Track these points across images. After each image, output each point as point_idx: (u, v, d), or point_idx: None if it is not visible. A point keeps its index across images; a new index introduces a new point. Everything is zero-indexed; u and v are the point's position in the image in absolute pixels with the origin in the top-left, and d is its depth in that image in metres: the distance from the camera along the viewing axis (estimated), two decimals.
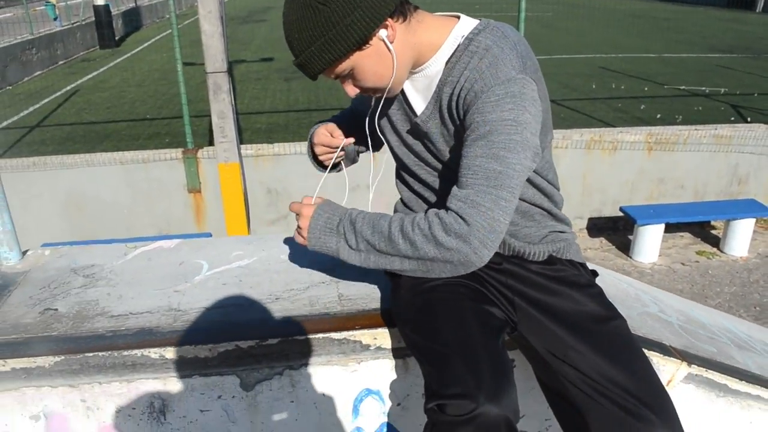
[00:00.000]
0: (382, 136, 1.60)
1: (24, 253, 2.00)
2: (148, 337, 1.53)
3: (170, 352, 1.49)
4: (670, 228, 6.21)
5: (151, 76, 12.55)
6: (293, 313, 1.63)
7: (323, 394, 1.61)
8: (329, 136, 1.63)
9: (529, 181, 1.46)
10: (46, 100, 10.57)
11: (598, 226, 6.63)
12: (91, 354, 1.48)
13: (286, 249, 2.01)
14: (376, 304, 1.67)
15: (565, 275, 1.51)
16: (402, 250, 1.32)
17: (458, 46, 1.35)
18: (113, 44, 17.20)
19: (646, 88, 10.67)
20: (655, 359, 1.69)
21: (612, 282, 2.12)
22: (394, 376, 1.62)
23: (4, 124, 8.82)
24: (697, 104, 9.40)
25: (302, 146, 5.95)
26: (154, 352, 1.49)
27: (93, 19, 17.03)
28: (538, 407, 1.70)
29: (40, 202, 5.71)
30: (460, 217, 1.26)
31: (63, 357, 1.47)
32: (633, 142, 6.34)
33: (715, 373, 1.77)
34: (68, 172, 5.73)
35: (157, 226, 5.95)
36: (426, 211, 1.33)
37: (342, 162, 1.75)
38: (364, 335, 1.56)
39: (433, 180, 1.53)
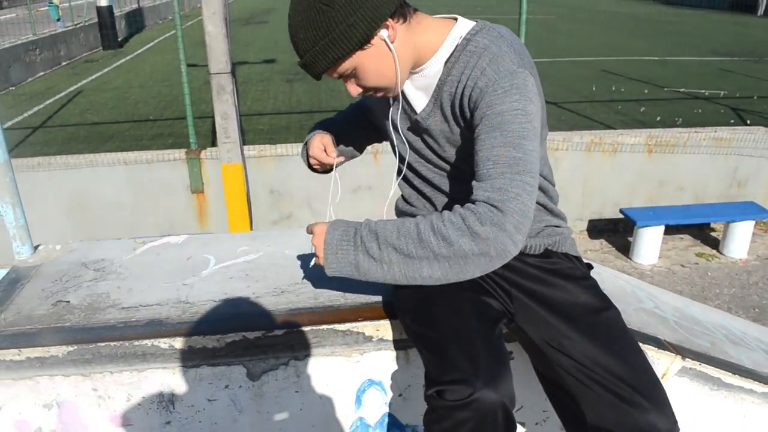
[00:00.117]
0: (384, 134, 1.65)
1: (36, 248, 2.06)
2: (157, 328, 1.58)
3: (179, 342, 1.54)
4: (669, 230, 6.25)
5: (154, 77, 12.61)
6: (298, 305, 1.68)
7: (327, 385, 1.66)
8: (323, 151, 1.68)
9: None
10: (50, 101, 10.63)
11: (598, 228, 6.67)
12: (102, 344, 1.53)
13: (291, 244, 2.06)
14: (378, 297, 1.72)
15: (560, 268, 1.56)
16: (435, 249, 1.27)
17: (456, 46, 1.41)
18: (116, 45, 17.27)
19: (646, 91, 10.71)
20: (650, 353, 1.74)
21: (609, 278, 2.17)
22: (396, 367, 1.67)
23: (8, 124, 8.88)
24: (697, 107, 9.44)
25: None
26: (163, 342, 1.54)
27: (96, 20, 17.10)
28: (536, 399, 1.75)
29: (44, 202, 5.76)
30: (492, 205, 1.25)
31: (75, 347, 1.52)
32: (633, 145, 6.39)
33: (709, 367, 1.82)
34: (72, 173, 5.79)
35: (160, 226, 6.00)
36: (452, 208, 1.31)
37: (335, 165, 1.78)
38: (366, 327, 1.61)
39: (433, 176, 1.58)
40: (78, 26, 16.91)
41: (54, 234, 5.58)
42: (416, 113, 1.51)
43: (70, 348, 1.52)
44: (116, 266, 1.92)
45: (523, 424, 1.79)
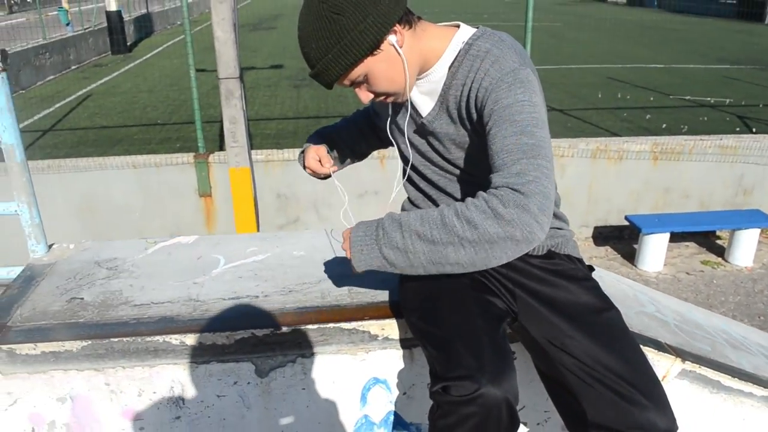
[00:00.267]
0: (391, 139, 1.70)
1: (50, 246, 2.11)
2: (169, 325, 1.62)
3: (190, 339, 1.59)
4: (675, 237, 6.26)
5: (162, 81, 12.70)
6: (306, 304, 1.72)
7: (333, 382, 1.69)
8: (318, 163, 1.74)
9: None
10: (59, 105, 10.72)
11: (603, 235, 6.69)
12: (115, 339, 1.57)
13: (299, 245, 2.11)
14: (384, 296, 1.76)
15: (563, 269, 1.60)
16: (460, 233, 1.27)
17: (459, 51, 1.46)
18: (125, 50, 17.39)
19: (651, 98, 10.73)
20: (650, 355, 1.77)
21: (611, 282, 2.20)
22: (401, 366, 1.70)
23: (19, 127, 8.95)
24: (703, 115, 9.45)
25: None
26: (174, 339, 1.58)
27: (105, 24, 17.24)
28: (538, 399, 1.78)
29: (53, 204, 5.82)
30: (513, 189, 1.25)
31: (89, 342, 1.57)
32: (639, 152, 6.41)
33: (709, 370, 1.85)
34: (82, 175, 5.85)
35: (168, 229, 6.06)
36: (476, 195, 1.31)
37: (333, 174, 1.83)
38: (372, 326, 1.64)
39: (438, 179, 1.62)
40: (87, 31, 17.05)
41: (64, 236, 5.60)
42: (422, 117, 1.55)
43: (84, 343, 1.57)
44: (128, 265, 1.97)
45: (525, 424, 1.83)
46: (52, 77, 13.84)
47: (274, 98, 10.88)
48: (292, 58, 14.60)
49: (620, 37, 19.76)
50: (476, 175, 1.53)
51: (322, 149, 1.77)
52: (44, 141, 8.22)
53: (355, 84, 1.46)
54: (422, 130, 1.58)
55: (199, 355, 1.61)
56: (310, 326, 1.63)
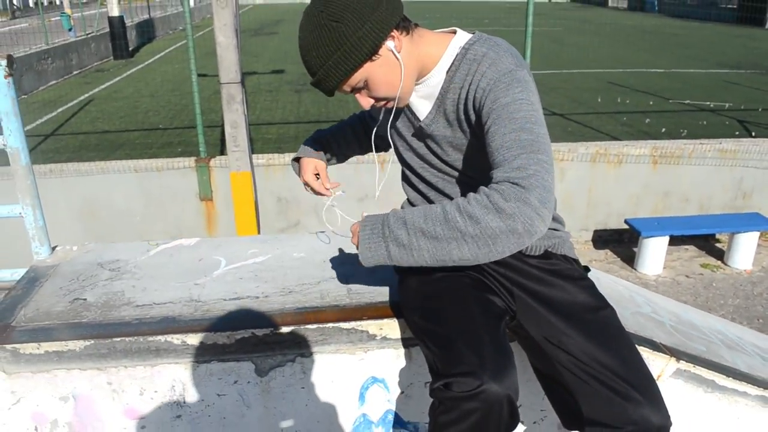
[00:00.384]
0: (390, 142, 1.73)
1: (53, 248, 2.14)
2: (170, 325, 1.65)
3: (191, 338, 1.61)
4: (675, 241, 6.28)
5: (164, 86, 12.75)
6: (305, 304, 1.75)
7: (332, 381, 1.72)
8: (315, 178, 1.79)
9: None
10: (61, 109, 10.77)
11: (603, 239, 6.71)
12: (118, 339, 1.60)
13: (299, 247, 2.13)
14: (382, 297, 1.79)
15: (559, 269, 1.63)
16: (462, 228, 1.28)
17: (456, 56, 1.50)
18: (127, 55, 17.47)
19: (651, 102, 10.76)
20: (645, 354, 1.79)
21: (608, 284, 2.22)
22: (399, 366, 1.73)
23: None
24: (702, 119, 9.49)
25: None
26: (176, 338, 1.61)
27: (107, 30, 17.32)
28: (534, 398, 1.80)
29: (55, 208, 5.84)
30: (513, 183, 1.26)
31: (92, 341, 1.59)
32: (638, 156, 6.44)
33: (703, 370, 1.87)
34: (83, 179, 5.88)
35: (170, 233, 6.08)
36: (478, 189, 1.32)
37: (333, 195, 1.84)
38: (370, 325, 1.67)
39: (437, 180, 1.65)
40: (89, 36, 17.13)
41: (66, 240, 5.62)
42: (420, 120, 1.59)
43: (87, 343, 1.59)
44: (131, 266, 2.00)
45: (522, 423, 1.85)
46: (54, 82, 13.91)
47: (275, 103, 10.93)
48: (294, 63, 14.66)
49: (621, 41, 19.81)
50: (474, 176, 1.56)
51: (321, 165, 1.80)
52: (46, 145, 8.26)
53: (355, 90, 1.50)
54: (420, 133, 1.61)
55: (199, 355, 1.63)
56: (309, 326, 1.65)
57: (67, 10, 18.21)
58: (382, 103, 1.54)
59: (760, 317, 5.24)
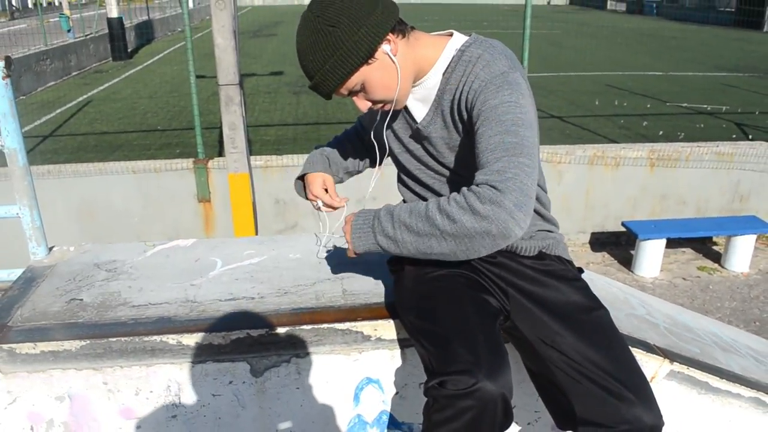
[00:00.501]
0: (387, 144, 1.74)
1: (50, 249, 2.14)
2: (166, 325, 1.66)
3: (186, 339, 1.62)
4: (672, 243, 6.29)
5: (163, 88, 12.77)
6: (300, 305, 1.76)
7: (327, 382, 1.73)
8: (324, 192, 1.78)
9: None
10: (60, 110, 10.78)
11: (600, 241, 6.72)
12: (113, 339, 1.60)
13: (295, 249, 2.14)
14: (377, 298, 1.79)
15: (553, 269, 1.64)
16: (440, 227, 1.34)
17: (453, 58, 1.51)
18: (125, 56, 17.48)
19: (648, 105, 10.79)
20: (639, 356, 1.80)
21: (602, 286, 2.23)
22: (394, 366, 1.74)
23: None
24: (700, 122, 9.51)
25: None
26: (171, 339, 1.62)
27: (106, 31, 17.33)
28: (528, 399, 1.81)
29: (53, 209, 5.85)
30: (491, 186, 1.31)
31: (88, 341, 1.60)
32: (635, 158, 6.45)
33: (697, 371, 1.88)
34: (81, 180, 5.89)
35: (168, 234, 6.08)
36: (460, 189, 1.37)
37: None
38: (365, 326, 1.68)
39: (433, 182, 1.66)
40: (88, 37, 17.14)
41: (64, 241, 5.61)
42: (417, 123, 1.60)
43: (83, 343, 1.60)
44: (127, 267, 2.01)
45: (516, 424, 1.86)
46: (53, 83, 13.92)
47: (273, 105, 10.94)
48: (292, 65, 14.66)
49: (619, 44, 19.85)
50: (470, 177, 1.57)
51: (330, 178, 1.80)
52: (45, 146, 8.27)
53: (352, 93, 1.52)
54: (417, 135, 1.63)
55: (195, 355, 1.64)
56: (304, 327, 1.66)
57: (66, 12, 18.21)
58: (379, 105, 1.56)
59: (757, 320, 5.25)
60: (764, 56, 17.99)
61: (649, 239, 5.88)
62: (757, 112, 10.20)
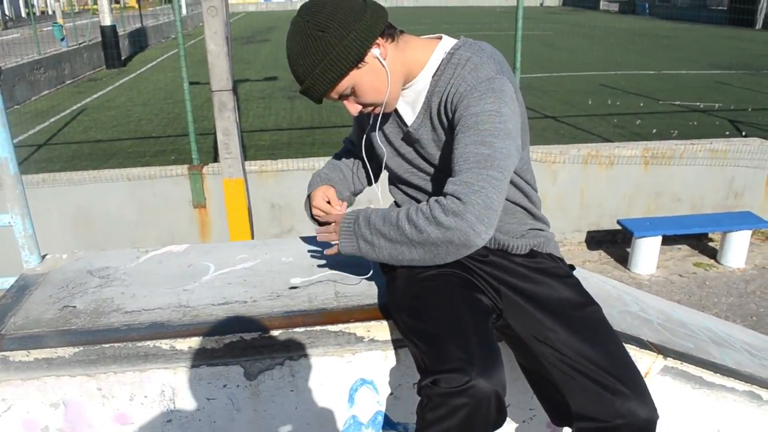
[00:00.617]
0: (378, 148, 1.75)
1: (43, 257, 2.14)
2: (159, 330, 1.66)
3: (180, 344, 1.62)
4: (668, 240, 6.31)
5: (157, 95, 12.76)
6: (293, 308, 1.76)
7: (321, 384, 1.73)
8: (326, 203, 1.78)
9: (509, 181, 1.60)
10: (54, 119, 10.76)
11: (596, 239, 6.74)
12: (107, 345, 1.60)
13: (288, 252, 2.14)
14: (369, 300, 1.80)
15: (545, 267, 1.66)
16: (408, 235, 1.44)
17: (442, 61, 1.53)
18: (119, 64, 17.48)
19: (642, 104, 10.82)
20: (633, 352, 1.80)
21: (596, 283, 2.24)
22: (387, 367, 1.74)
23: (13, 142, 8.99)
24: (693, 119, 9.54)
25: (305, 162, 6.11)
26: (165, 344, 1.62)
27: (99, 39, 17.33)
28: (522, 397, 1.82)
29: (48, 217, 5.85)
30: (456, 197, 1.39)
31: (81, 348, 1.60)
32: (630, 157, 6.47)
33: (690, 366, 1.88)
34: (76, 188, 5.89)
35: (163, 240, 6.08)
36: (428, 199, 1.46)
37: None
38: (358, 328, 1.68)
39: (425, 183, 1.67)
40: (82, 45, 17.14)
41: (59, 249, 5.61)
42: (407, 126, 1.61)
43: (76, 349, 1.60)
44: (120, 273, 2.01)
45: (511, 422, 1.86)
46: (46, 92, 13.90)
47: (268, 110, 10.95)
48: (286, 69, 14.50)
49: (612, 44, 19.90)
50: None
51: (331, 190, 1.81)
52: (39, 155, 8.25)
53: (342, 97, 1.54)
54: (408, 138, 1.64)
55: (189, 360, 1.64)
56: (297, 329, 1.66)
57: (59, 20, 18.22)
58: (370, 108, 1.57)
59: (754, 315, 5.26)
60: (757, 53, 18.07)
61: (644, 237, 5.90)
62: (750, 109, 10.24)
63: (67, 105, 12.06)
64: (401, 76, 1.54)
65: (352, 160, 1.95)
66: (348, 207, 1.80)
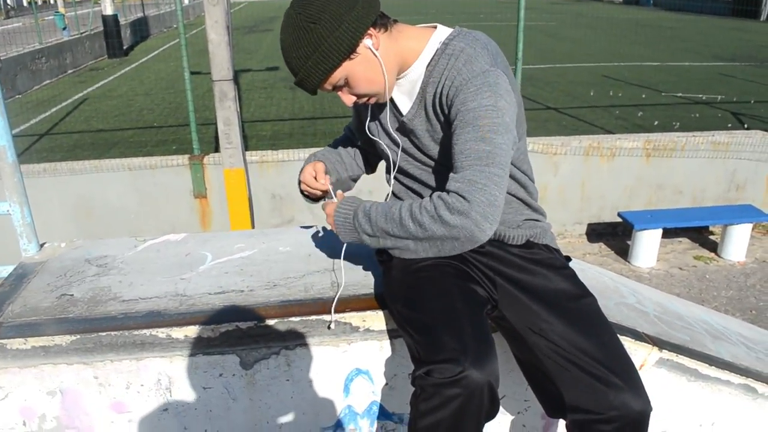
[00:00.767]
0: (374, 138, 1.75)
1: (41, 245, 2.15)
2: (156, 319, 1.67)
3: (176, 332, 1.63)
4: (668, 233, 6.30)
5: (158, 85, 12.74)
6: (289, 297, 1.77)
7: (316, 373, 1.74)
8: (313, 178, 1.79)
9: None
10: (55, 109, 10.75)
11: (597, 232, 6.73)
12: (104, 333, 1.61)
13: (285, 242, 2.15)
14: (365, 290, 1.80)
15: (541, 258, 1.66)
16: (413, 232, 1.45)
17: (437, 50, 1.53)
18: (121, 54, 17.44)
19: (644, 96, 10.78)
20: (628, 344, 1.81)
21: (593, 275, 2.24)
22: (383, 357, 1.75)
23: (15, 131, 9.00)
24: (695, 111, 9.50)
25: (306, 153, 6.11)
26: (161, 332, 1.62)
27: (101, 28, 17.28)
28: (517, 389, 1.82)
29: (49, 207, 5.86)
30: (460, 195, 1.39)
31: (78, 336, 1.61)
32: (631, 149, 6.45)
33: (686, 359, 1.89)
34: (78, 178, 5.89)
35: (164, 230, 6.09)
36: (431, 195, 1.46)
37: (331, 190, 1.81)
38: (353, 318, 1.69)
39: (420, 173, 1.67)
40: (83, 35, 17.09)
41: (59, 238, 5.64)
42: (402, 115, 1.61)
43: (73, 337, 1.61)
44: (118, 262, 2.01)
45: (507, 414, 1.87)
46: (48, 81, 13.89)
47: (269, 100, 10.92)
48: None
49: (615, 35, 19.80)
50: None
51: (319, 164, 1.81)
52: (41, 145, 8.25)
53: (337, 88, 1.54)
54: (403, 128, 1.64)
55: (185, 348, 1.65)
56: (293, 319, 1.67)
57: (61, 9, 18.18)
58: (364, 99, 1.57)
59: (753, 308, 5.26)
60: (761, 45, 17.97)
61: (645, 229, 5.89)
62: (752, 101, 10.20)
63: (68, 94, 12.05)
64: (395, 65, 1.54)
65: (350, 147, 1.95)
66: (347, 192, 1.79)
